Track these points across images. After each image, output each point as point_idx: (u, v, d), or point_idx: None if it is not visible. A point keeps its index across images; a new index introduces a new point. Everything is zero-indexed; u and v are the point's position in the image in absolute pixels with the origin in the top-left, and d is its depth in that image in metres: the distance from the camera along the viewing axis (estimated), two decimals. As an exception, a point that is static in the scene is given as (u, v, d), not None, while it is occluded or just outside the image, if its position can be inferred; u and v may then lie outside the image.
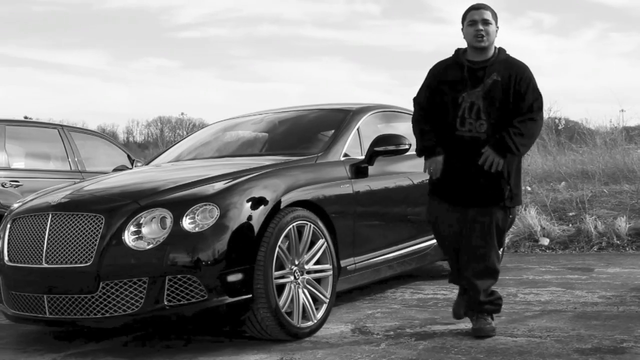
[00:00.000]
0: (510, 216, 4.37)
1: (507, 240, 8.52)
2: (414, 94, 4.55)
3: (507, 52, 4.38)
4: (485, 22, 4.27)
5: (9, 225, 4.67)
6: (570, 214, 9.56)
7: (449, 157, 4.30)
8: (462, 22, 4.38)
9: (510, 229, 8.85)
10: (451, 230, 4.41)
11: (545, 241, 8.74)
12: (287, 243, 4.44)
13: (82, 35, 78.67)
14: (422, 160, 4.49)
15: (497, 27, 4.35)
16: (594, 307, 5.07)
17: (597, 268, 7.01)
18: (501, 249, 4.87)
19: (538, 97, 4.25)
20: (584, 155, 13.21)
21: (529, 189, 10.98)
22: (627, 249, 8.28)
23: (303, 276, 4.54)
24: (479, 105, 4.21)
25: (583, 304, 5.22)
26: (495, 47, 4.35)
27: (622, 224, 8.54)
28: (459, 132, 4.25)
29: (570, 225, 9.14)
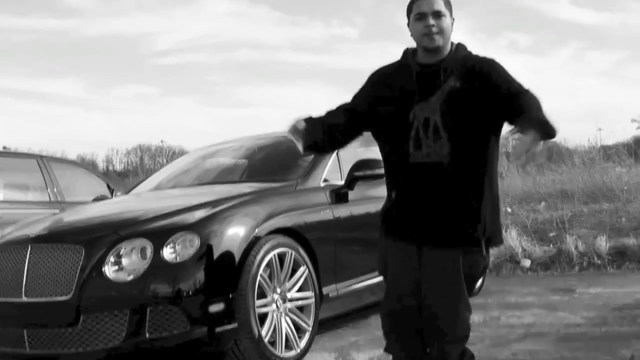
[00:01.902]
0: (484, 262, 3.25)
1: (490, 261, 8.51)
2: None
3: (468, 49, 3.33)
4: (437, 15, 3.21)
5: (-13, 259, 4.61)
6: (551, 234, 9.59)
7: (402, 192, 3.28)
8: (408, 16, 3.32)
9: (492, 252, 8.89)
10: (409, 279, 3.19)
11: (527, 262, 8.76)
12: (268, 271, 4.43)
13: (61, 63, 78.72)
14: None
15: (453, 19, 3.30)
16: (577, 329, 5.08)
17: (579, 288, 7.03)
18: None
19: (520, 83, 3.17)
20: (563, 175, 13.29)
21: (509, 210, 11.01)
22: (608, 268, 8.31)
23: (285, 304, 4.52)
24: (436, 120, 3.15)
25: (566, 325, 5.23)
26: (452, 43, 3.30)
27: (603, 243, 8.57)
28: (414, 159, 3.17)
29: (551, 245, 9.17)
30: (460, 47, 3.30)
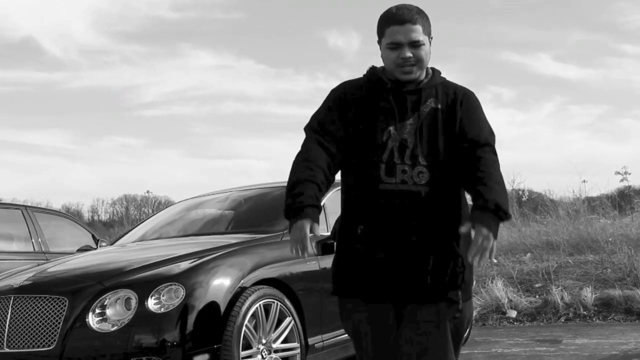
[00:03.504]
0: (459, 315, 2.84)
1: (475, 313, 8.50)
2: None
3: (444, 76, 3.00)
4: (415, 45, 2.81)
5: (-31, 310, 4.58)
6: (537, 285, 9.60)
7: (370, 225, 2.83)
8: (379, 35, 2.91)
9: (478, 302, 8.89)
10: (384, 348, 2.84)
11: (513, 313, 8.74)
12: (253, 322, 4.40)
13: (47, 114, 78.57)
14: None
15: (431, 38, 2.90)
16: (563, 380, 5.06)
17: (565, 339, 7.02)
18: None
19: (492, 131, 2.89)
20: (548, 226, 13.33)
21: (494, 261, 11.02)
22: (594, 319, 8.31)
23: (270, 355, 4.49)
24: (415, 144, 2.79)
25: (552, 376, 5.21)
26: (429, 69, 2.95)
27: (588, 294, 8.58)
28: (385, 186, 2.77)
29: (537, 296, 9.17)
30: (437, 72, 2.97)
